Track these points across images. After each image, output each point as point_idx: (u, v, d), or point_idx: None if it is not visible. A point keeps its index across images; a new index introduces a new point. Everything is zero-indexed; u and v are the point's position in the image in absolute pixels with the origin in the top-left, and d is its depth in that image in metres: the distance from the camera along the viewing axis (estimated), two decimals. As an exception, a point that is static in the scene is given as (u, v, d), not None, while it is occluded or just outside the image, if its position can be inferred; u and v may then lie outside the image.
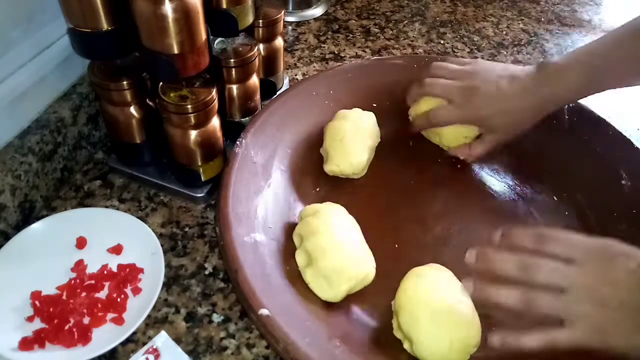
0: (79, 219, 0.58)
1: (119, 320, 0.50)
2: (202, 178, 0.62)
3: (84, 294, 0.52)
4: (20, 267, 0.54)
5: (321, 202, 0.58)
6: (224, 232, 0.51)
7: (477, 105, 0.63)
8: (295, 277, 0.53)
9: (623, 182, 0.63)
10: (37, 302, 0.51)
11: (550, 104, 0.62)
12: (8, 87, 0.55)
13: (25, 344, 0.48)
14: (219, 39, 0.61)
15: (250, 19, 0.60)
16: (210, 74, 0.57)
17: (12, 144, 0.57)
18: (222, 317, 0.53)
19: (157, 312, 0.53)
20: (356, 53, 0.90)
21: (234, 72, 0.62)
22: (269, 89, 0.73)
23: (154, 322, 0.52)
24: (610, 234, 0.61)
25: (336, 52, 0.90)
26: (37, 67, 0.58)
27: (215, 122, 0.58)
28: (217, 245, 0.59)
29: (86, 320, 0.51)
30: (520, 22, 1.03)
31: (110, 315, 0.51)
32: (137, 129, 0.61)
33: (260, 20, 0.66)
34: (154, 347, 0.49)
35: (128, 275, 0.54)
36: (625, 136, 0.66)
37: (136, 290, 0.53)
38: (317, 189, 0.65)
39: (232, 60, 0.61)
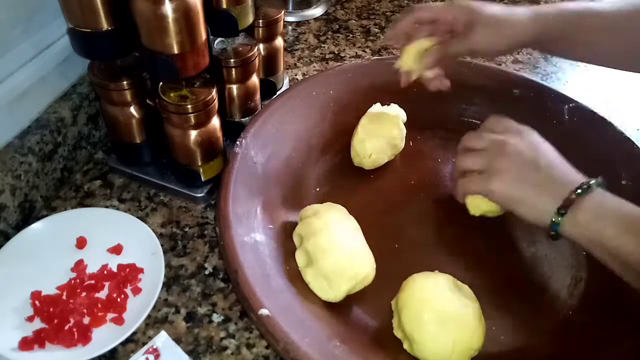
0: (79, 219, 0.58)
1: (119, 320, 0.50)
2: (202, 178, 0.62)
3: (84, 294, 0.52)
4: (20, 267, 0.54)
5: (321, 202, 0.58)
6: (224, 232, 0.51)
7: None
8: (295, 277, 0.53)
9: (623, 182, 0.63)
10: (37, 302, 0.51)
11: None
12: (8, 87, 0.55)
13: (25, 344, 0.48)
14: (219, 39, 0.61)
15: (250, 19, 0.60)
16: (210, 74, 0.57)
17: (12, 144, 0.57)
18: (222, 317, 0.53)
19: (157, 312, 0.53)
20: (356, 53, 0.90)
21: (234, 72, 0.62)
22: (269, 89, 0.73)
23: (154, 322, 0.52)
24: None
25: (336, 52, 0.90)
26: (37, 67, 0.58)
27: (215, 122, 0.58)
28: (217, 245, 0.59)
29: (86, 320, 0.51)
30: (520, 22, 1.03)
31: (110, 315, 0.51)
32: (137, 129, 0.61)
33: (260, 20, 0.66)
34: (154, 347, 0.49)
35: (128, 275, 0.54)
36: (625, 136, 0.66)
37: (136, 290, 0.53)
38: (317, 189, 0.65)
39: (232, 60, 0.61)
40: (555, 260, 0.60)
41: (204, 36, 0.51)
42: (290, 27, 0.94)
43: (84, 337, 0.49)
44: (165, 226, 0.61)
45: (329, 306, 0.52)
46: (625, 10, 0.59)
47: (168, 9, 0.46)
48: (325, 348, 0.47)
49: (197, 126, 0.57)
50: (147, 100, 0.60)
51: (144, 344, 0.50)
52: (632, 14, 0.59)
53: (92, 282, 0.54)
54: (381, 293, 0.54)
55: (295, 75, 0.84)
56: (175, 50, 0.49)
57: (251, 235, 0.53)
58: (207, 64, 0.54)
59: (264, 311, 0.46)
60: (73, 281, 0.53)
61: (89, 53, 0.54)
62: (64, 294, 0.52)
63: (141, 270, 0.55)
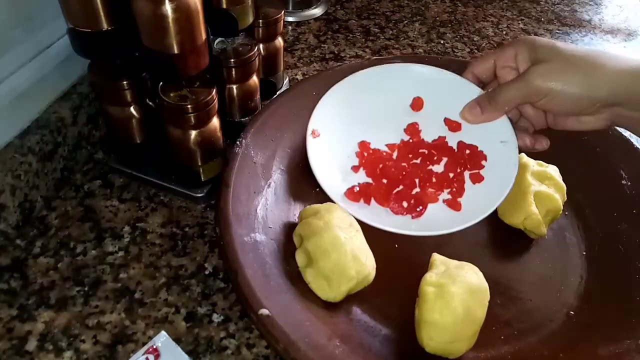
0: (418, 78, 0.51)
1: (454, 205, 0.43)
2: (202, 178, 0.62)
3: (415, 161, 0.46)
4: (356, 104, 0.51)
5: (321, 202, 0.58)
6: (224, 232, 0.51)
7: None
8: (295, 277, 0.53)
9: (623, 182, 0.63)
10: (365, 153, 0.46)
11: None
12: (8, 87, 0.55)
13: (352, 194, 0.44)
14: (219, 39, 0.61)
15: (250, 19, 0.60)
16: (210, 74, 0.57)
17: (12, 144, 0.57)
18: (222, 317, 0.53)
19: (157, 312, 0.53)
20: (356, 53, 0.90)
21: (234, 72, 0.62)
22: (269, 89, 0.73)
23: (154, 322, 0.52)
24: (610, 234, 0.61)
25: (336, 52, 0.90)
26: (37, 67, 0.58)
27: (215, 122, 0.58)
28: (217, 245, 0.59)
29: (416, 191, 0.44)
30: (520, 22, 1.03)
31: (444, 196, 0.44)
32: (137, 129, 0.61)
33: (260, 20, 0.66)
34: (154, 347, 0.49)
35: (469, 158, 0.47)
36: (625, 136, 0.66)
37: (476, 178, 0.46)
38: (317, 189, 0.64)
39: (232, 60, 0.61)
40: (555, 260, 0.60)
41: (204, 36, 0.51)
42: (290, 27, 0.94)
43: (413, 209, 0.43)
44: (165, 226, 0.61)
45: (329, 306, 0.52)
46: None
47: (168, 9, 0.46)
48: (325, 348, 0.47)
49: (197, 126, 0.57)
50: (147, 100, 0.60)
51: (144, 344, 0.50)
52: None
53: (426, 151, 0.47)
54: (381, 293, 0.54)
55: (295, 75, 0.84)
56: (175, 50, 0.49)
57: (251, 235, 0.53)
58: (207, 64, 0.54)
59: (264, 311, 0.46)
60: (405, 143, 0.47)
61: (89, 53, 0.54)
62: (395, 153, 0.46)
63: (484, 157, 0.47)
